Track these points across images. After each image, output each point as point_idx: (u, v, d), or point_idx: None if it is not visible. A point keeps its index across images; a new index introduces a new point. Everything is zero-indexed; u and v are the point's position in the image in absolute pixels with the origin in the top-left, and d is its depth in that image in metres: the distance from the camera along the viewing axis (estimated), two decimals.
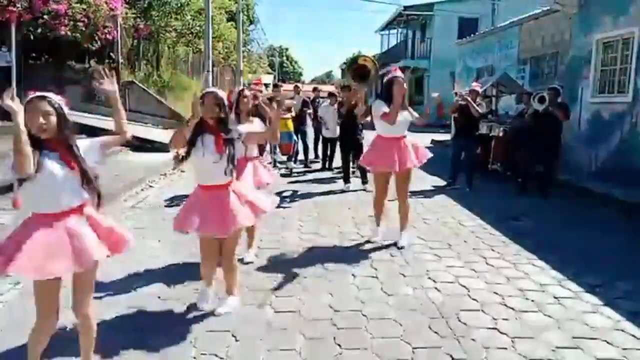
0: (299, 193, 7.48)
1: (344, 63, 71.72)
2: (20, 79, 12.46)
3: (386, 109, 4.67)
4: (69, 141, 2.35)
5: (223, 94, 3.24)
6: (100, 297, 3.50)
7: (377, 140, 4.90)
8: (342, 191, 7.65)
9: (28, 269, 2.23)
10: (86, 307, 2.48)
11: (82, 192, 2.40)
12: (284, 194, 7.30)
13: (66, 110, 2.37)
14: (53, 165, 2.29)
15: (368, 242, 5.01)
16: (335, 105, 9.37)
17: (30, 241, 2.25)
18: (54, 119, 2.30)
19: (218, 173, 3.14)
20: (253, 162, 4.46)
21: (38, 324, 2.39)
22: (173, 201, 6.62)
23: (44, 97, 2.30)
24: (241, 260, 4.26)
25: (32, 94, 2.31)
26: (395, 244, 4.88)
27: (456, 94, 8.25)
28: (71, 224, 2.34)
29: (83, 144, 2.44)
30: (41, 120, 2.27)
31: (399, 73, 4.84)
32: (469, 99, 7.81)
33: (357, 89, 6.52)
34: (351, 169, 8.14)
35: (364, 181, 7.74)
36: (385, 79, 4.88)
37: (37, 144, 2.25)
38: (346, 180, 7.92)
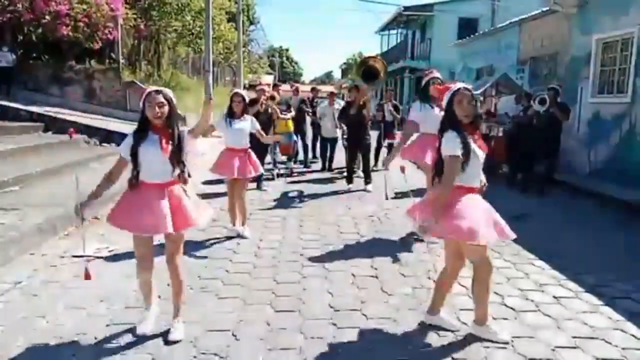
0: (298, 193, 7.48)
1: (344, 63, 71.88)
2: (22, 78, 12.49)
3: (417, 113, 4.87)
4: None
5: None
6: (99, 297, 3.51)
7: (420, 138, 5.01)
8: (343, 191, 7.65)
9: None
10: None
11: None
12: (284, 194, 7.31)
13: None
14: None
15: (368, 241, 5.02)
16: (335, 105, 9.37)
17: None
18: None
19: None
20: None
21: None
22: None
23: None
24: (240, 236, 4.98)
25: None
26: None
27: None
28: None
29: None
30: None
31: (436, 74, 4.95)
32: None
33: (365, 89, 6.60)
34: (363, 170, 8.19)
35: (367, 181, 7.70)
36: (423, 80, 5.03)
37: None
38: (349, 180, 7.92)
